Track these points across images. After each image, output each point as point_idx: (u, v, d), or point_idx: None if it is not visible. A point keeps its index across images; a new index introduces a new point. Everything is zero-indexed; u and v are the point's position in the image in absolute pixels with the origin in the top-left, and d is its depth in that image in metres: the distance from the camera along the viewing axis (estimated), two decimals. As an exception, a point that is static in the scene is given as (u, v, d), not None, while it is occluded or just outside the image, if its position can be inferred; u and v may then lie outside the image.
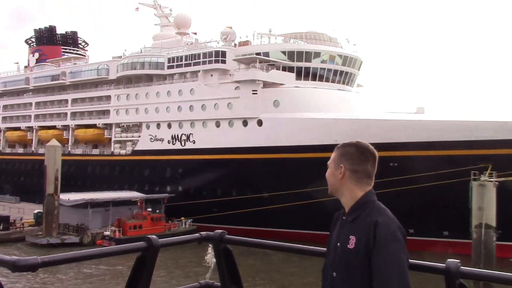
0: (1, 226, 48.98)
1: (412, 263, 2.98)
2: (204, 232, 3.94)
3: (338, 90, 55.01)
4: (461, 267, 2.98)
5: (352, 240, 2.90)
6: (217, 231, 3.94)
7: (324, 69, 55.34)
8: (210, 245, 4.03)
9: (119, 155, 64.44)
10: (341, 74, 56.65)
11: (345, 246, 2.93)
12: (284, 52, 54.86)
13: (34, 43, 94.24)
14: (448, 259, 2.98)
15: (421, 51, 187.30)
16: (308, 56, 54.68)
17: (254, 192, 49.49)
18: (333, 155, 3.18)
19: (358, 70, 59.77)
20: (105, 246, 42.24)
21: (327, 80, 55.39)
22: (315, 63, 54.89)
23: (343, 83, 57.04)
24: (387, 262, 2.75)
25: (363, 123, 45.53)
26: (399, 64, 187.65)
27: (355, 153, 3.08)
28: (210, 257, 3.99)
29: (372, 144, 3.18)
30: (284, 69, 54.43)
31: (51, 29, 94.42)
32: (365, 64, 61.16)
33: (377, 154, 3.12)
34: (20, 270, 2.79)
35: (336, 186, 3.12)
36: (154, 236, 3.50)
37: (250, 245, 3.90)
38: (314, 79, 54.68)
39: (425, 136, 43.01)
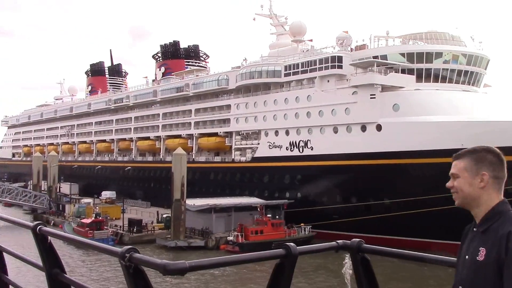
0: (135, 229, 52.91)
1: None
2: (341, 241, 3.88)
3: (463, 91, 52.03)
4: None
5: (482, 251, 2.69)
6: (354, 239, 3.85)
7: (447, 69, 52.73)
8: (346, 255, 3.96)
9: (240, 162, 66.47)
10: (465, 74, 53.57)
11: (474, 258, 2.73)
12: (403, 54, 53.10)
13: (160, 58, 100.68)
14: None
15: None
16: (429, 56, 52.42)
17: (374, 199, 48.35)
18: (463, 163, 2.89)
19: (485, 69, 56.11)
20: (230, 251, 43.99)
21: (450, 81, 52.71)
22: (436, 64, 52.48)
23: (468, 84, 53.91)
24: None
25: (493, 126, 42.49)
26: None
27: (494, 158, 2.84)
28: (346, 268, 3.89)
29: (504, 148, 3.08)
30: (403, 71, 52.69)
31: (175, 44, 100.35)
32: (493, 63, 57.23)
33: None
34: (170, 274, 2.84)
35: (473, 195, 2.85)
36: (292, 244, 3.55)
37: (389, 255, 3.77)
38: (436, 80, 52.30)
39: None
